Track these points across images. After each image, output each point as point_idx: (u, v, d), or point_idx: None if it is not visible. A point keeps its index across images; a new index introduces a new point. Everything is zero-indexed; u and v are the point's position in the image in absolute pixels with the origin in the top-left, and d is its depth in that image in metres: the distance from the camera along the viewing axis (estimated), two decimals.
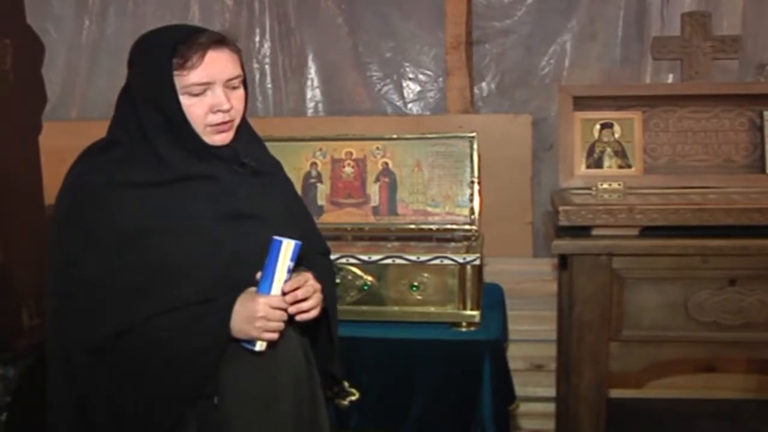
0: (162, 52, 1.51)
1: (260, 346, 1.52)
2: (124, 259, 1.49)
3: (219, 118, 1.56)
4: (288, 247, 1.50)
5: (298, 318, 1.57)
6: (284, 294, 1.52)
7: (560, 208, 2.17)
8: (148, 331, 1.48)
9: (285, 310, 1.53)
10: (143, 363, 1.49)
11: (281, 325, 1.52)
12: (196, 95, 1.53)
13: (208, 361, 1.51)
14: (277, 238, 1.51)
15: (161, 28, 1.64)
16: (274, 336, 1.52)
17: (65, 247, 1.53)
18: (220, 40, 1.56)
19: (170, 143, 1.54)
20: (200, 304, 1.50)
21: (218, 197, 1.58)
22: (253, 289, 1.53)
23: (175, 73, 1.51)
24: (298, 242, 1.52)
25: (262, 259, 1.52)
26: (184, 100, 1.53)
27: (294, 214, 1.77)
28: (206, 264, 1.53)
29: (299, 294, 1.55)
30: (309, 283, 1.58)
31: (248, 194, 1.62)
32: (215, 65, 1.53)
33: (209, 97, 1.55)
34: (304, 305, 1.57)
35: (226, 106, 1.56)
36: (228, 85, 1.57)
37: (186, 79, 1.52)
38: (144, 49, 1.58)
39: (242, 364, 1.55)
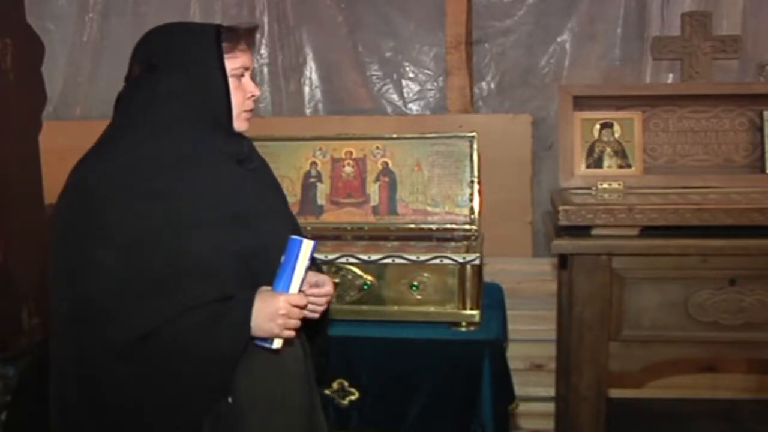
0: (210, 36, 1.55)
1: (278, 343, 1.53)
2: (142, 260, 1.47)
3: (251, 104, 1.63)
4: (307, 247, 1.52)
5: (306, 315, 1.60)
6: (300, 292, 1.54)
7: (560, 208, 2.17)
8: (172, 332, 1.46)
9: (303, 307, 1.54)
10: (167, 364, 1.48)
11: (299, 323, 1.54)
12: (238, 81, 1.58)
13: (231, 360, 1.51)
14: (295, 237, 1.53)
15: (177, 22, 1.67)
16: (292, 334, 1.54)
17: (80, 250, 1.48)
18: (256, 28, 1.62)
19: (197, 129, 1.56)
20: (220, 302, 1.50)
21: (227, 195, 1.58)
22: (266, 288, 1.53)
23: (226, 55, 1.56)
24: (315, 241, 1.54)
25: (273, 256, 1.53)
26: (230, 83, 1.57)
27: (288, 209, 1.83)
28: (218, 262, 1.52)
29: (321, 300, 1.62)
30: (328, 289, 1.64)
31: (253, 192, 1.64)
32: (250, 52, 1.62)
33: (244, 83, 1.60)
34: (319, 308, 1.63)
35: (258, 93, 1.64)
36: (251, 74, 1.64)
37: (236, 61, 1.57)
38: (178, 37, 1.58)
39: (255, 363, 1.56)
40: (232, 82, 1.57)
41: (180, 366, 1.48)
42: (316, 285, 1.62)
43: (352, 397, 2.27)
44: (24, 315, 2.50)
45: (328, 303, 1.69)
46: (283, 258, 1.52)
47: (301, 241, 1.52)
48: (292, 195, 2.62)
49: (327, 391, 2.26)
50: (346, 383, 2.27)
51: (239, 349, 1.50)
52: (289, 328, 1.52)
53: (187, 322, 1.47)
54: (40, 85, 2.62)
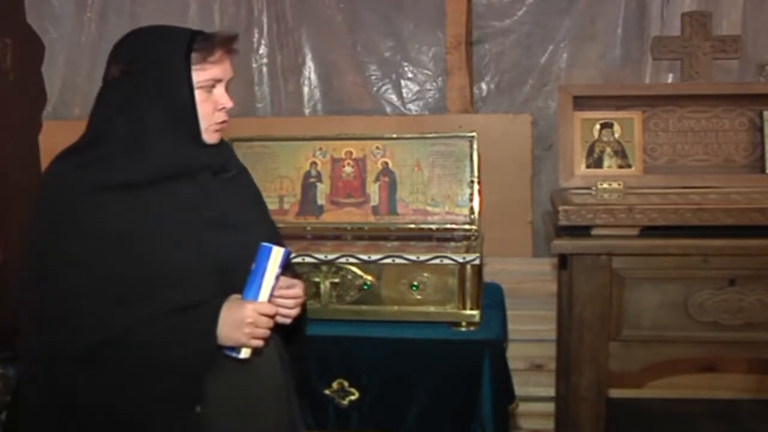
0: (180, 45, 1.51)
1: (245, 353, 1.50)
2: (109, 264, 1.45)
3: (222, 116, 1.59)
4: (277, 255, 1.49)
5: (278, 320, 1.57)
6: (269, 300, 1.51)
7: (560, 208, 2.17)
8: (134, 339, 1.44)
9: (272, 316, 1.52)
10: (130, 372, 1.45)
11: (268, 332, 1.51)
12: (208, 93, 1.54)
13: (197, 369, 1.49)
14: (265, 244, 1.50)
15: (156, 26, 1.63)
16: (260, 343, 1.51)
17: (46, 252, 1.47)
18: (234, 38, 1.58)
19: (169, 141, 1.52)
20: (185, 311, 1.47)
21: (202, 203, 1.57)
22: (236, 296, 1.51)
23: (194, 67, 1.52)
24: (287, 249, 1.51)
25: (246, 264, 1.50)
26: (198, 96, 1.53)
27: (266, 216, 1.80)
28: (192, 270, 1.51)
29: (290, 302, 1.56)
30: (297, 291, 1.59)
31: (229, 200, 1.63)
32: (227, 63, 1.57)
33: (215, 95, 1.56)
34: (290, 312, 1.58)
35: (230, 105, 1.58)
36: (227, 85, 1.59)
37: (204, 73, 1.53)
38: (152, 42, 1.55)
39: (225, 372, 1.53)
40: (200, 94, 1.53)
41: (146, 373, 1.46)
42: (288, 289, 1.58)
43: (352, 397, 2.27)
44: None
45: (303, 306, 1.65)
46: (253, 265, 1.49)
47: (270, 248, 1.48)
48: (292, 195, 2.63)
49: (327, 391, 2.26)
50: (346, 383, 2.27)
51: (204, 358, 1.48)
52: (257, 338, 1.49)
53: (154, 328, 1.45)
54: (39, 85, 2.63)
